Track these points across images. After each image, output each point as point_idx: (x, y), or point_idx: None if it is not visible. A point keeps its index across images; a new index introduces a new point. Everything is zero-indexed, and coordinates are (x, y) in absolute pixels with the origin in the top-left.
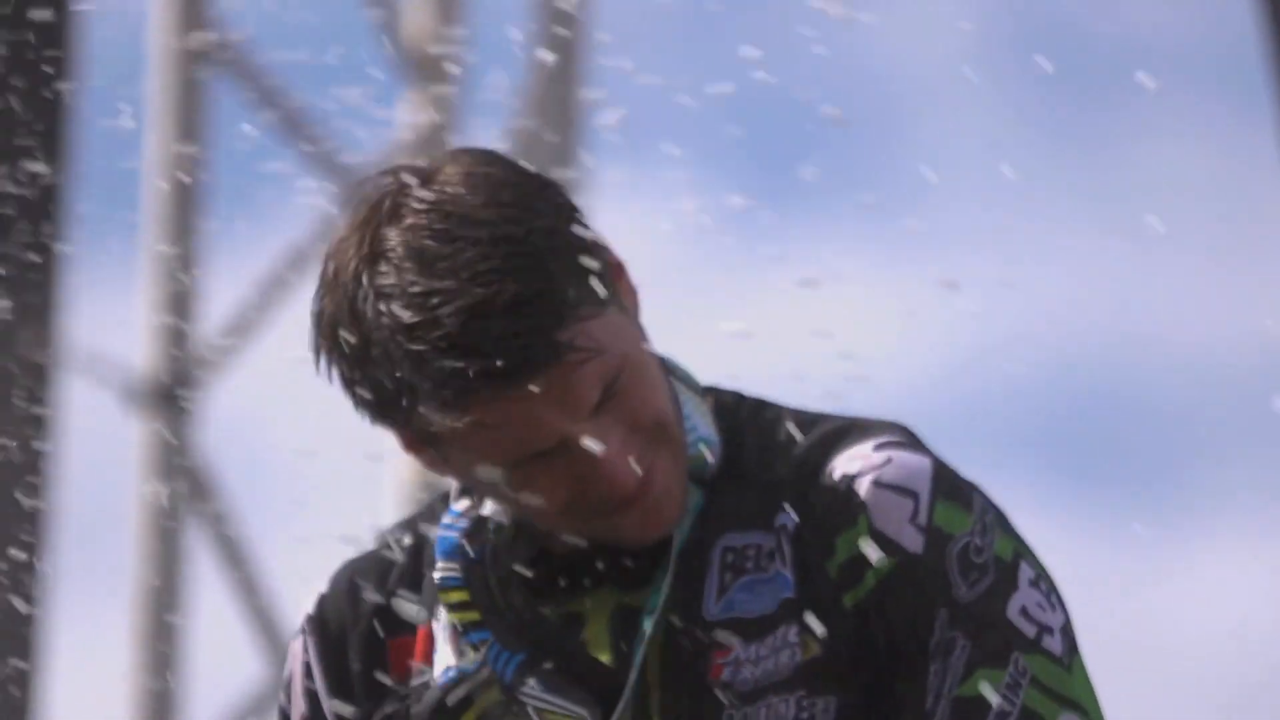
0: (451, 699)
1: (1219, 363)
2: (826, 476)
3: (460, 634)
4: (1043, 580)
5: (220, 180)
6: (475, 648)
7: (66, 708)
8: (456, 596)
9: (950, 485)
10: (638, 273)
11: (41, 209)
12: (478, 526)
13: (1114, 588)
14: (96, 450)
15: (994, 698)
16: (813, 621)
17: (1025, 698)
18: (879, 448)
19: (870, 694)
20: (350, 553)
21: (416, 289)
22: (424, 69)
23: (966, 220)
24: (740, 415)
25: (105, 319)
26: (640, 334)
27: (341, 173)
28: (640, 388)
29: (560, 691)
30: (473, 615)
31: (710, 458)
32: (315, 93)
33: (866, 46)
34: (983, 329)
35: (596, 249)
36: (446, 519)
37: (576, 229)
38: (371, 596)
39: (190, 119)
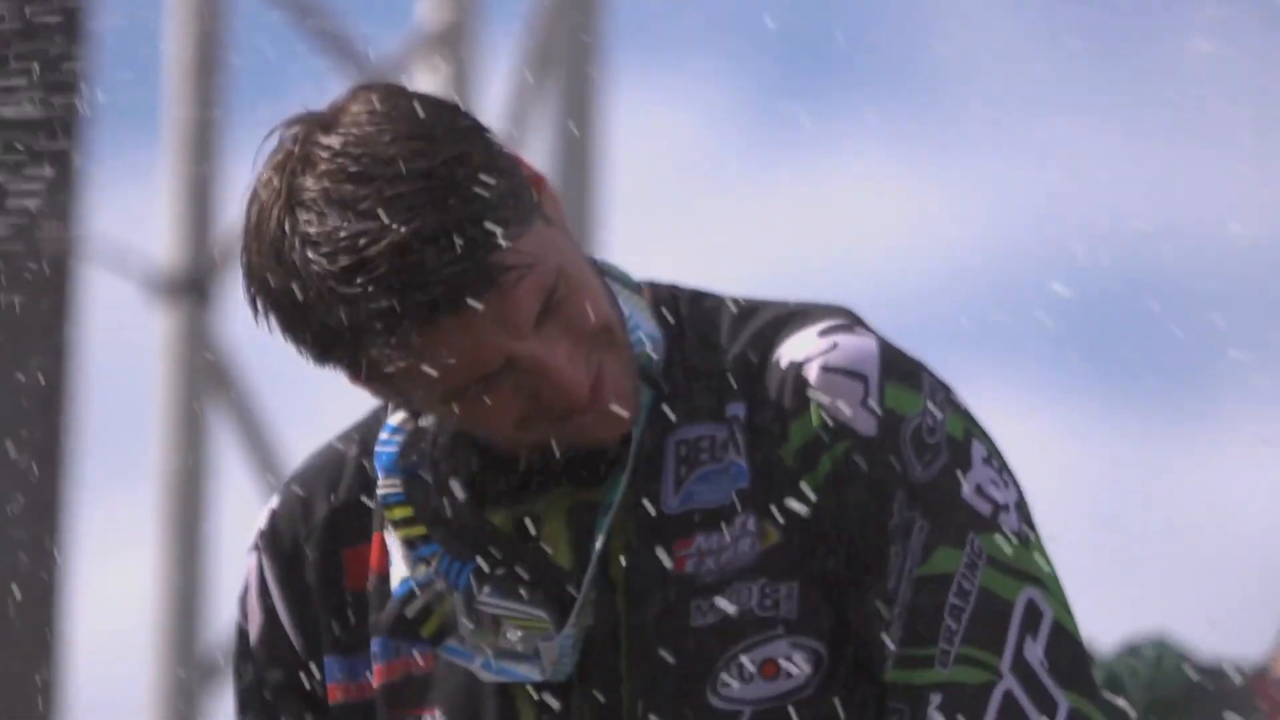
0: (410, 611)
1: (1261, 256)
2: (774, 365)
3: (409, 550)
4: (994, 457)
5: (241, 70)
6: (426, 562)
7: (92, 599)
8: (400, 513)
9: (898, 366)
10: (664, 165)
11: (61, 99)
12: (415, 438)
13: (1145, 477)
14: (119, 342)
15: (954, 575)
16: (770, 509)
17: (983, 578)
18: (824, 333)
19: (831, 578)
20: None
21: (342, 233)
22: None
23: (992, 118)
24: (679, 307)
25: (127, 210)
26: (570, 242)
27: (363, 63)
28: (578, 296)
29: (516, 596)
30: (418, 530)
31: (654, 354)
32: None
33: None
34: (1003, 227)
35: (512, 166)
36: (383, 434)
37: (489, 150)
38: (322, 507)
39: (211, 7)
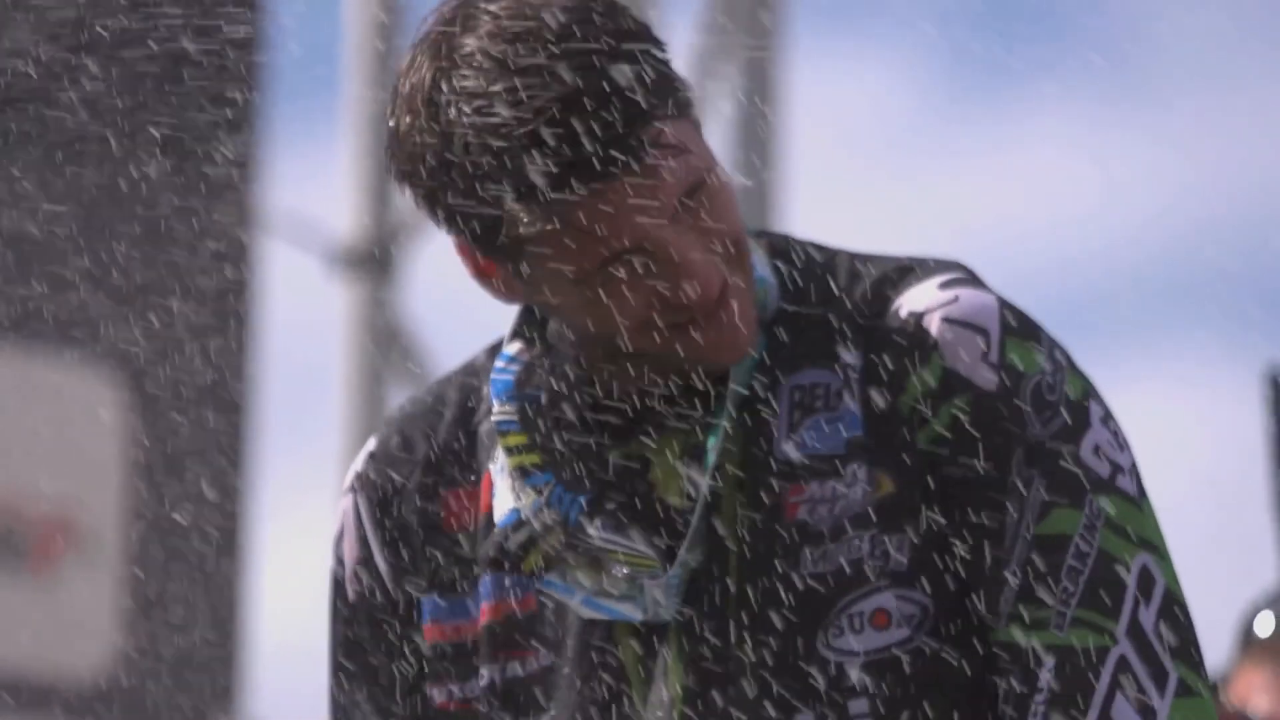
0: (512, 543)
1: None
2: (893, 314)
3: (520, 478)
4: (1110, 419)
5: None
6: (538, 490)
7: (277, 572)
8: (515, 439)
9: (1018, 322)
10: (845, 135)
11: (241, 70)
12: (531, 368)
13: None
14: (300, 314)
15: (1073, 536)
16: (884, 458)
17: (1101, 539)
18: (944, 285)
19: (941, 531)
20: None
21: (500, 86)
22: None
23: (1180, 83)
24: (794, 256)
25: (308, 182)
26: (714, 156)
27: None
28: (720, 203)
29: (624, 532)
30: (533, 458)
31: (768, 297)
32: None
33: None
34: (1192, 200)
35: (669, 61)
36: (499, 363)
37: (650, 37)
38: (422, 447)
39: None
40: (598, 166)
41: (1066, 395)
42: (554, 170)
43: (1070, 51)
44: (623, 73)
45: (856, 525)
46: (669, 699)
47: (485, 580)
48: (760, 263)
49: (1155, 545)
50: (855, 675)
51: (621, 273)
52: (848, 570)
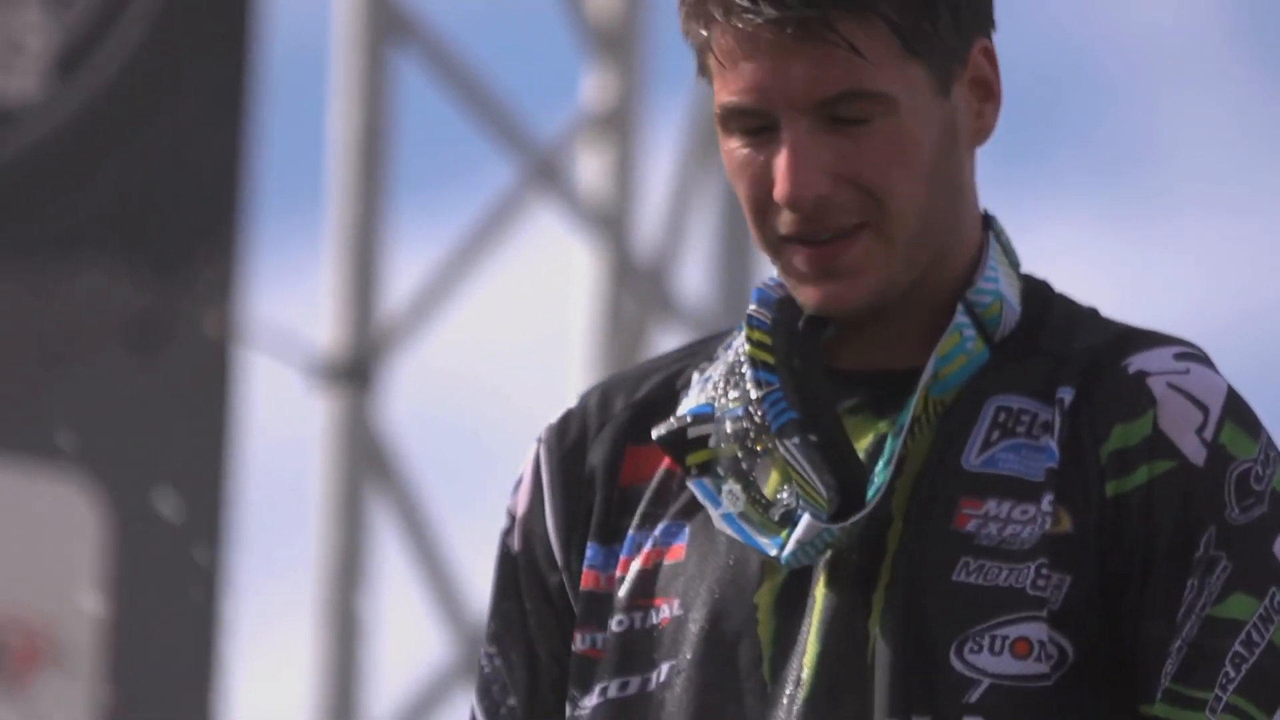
0: (692, 431)
1: None
2: (1121, 368)
3: (753, 368)
4: None
5: (405, 155)
6: (760, 385)
7: (250, 683)
8: (758, 336)
9: (1242, 410)
10: None
11: (225, 183)
12: (790, 302)
13: None
14: (279, 426)
15: (1247, 623)
16: (1071, 496)
17: (1276, 633)
18: (1180, 357)
19: (1110, 585)
20: None
21: None
22: (608, 42)
23: (1203, 185)
24: (1049, 296)
25: (289, 294)
26: (942, 129)
27: (526, 147)
28: (883, 146)
29: (814, 464)
30: (767, 355)
31: (1005, 318)
32: (500, 66)
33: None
34: (1208, 312)
35: (954, 22)
36: (769, 280)
37: (975, 4)
38: (620, 403)
39: (375, 93)
40: (763, 12)
41: (1274, 490)
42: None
43: (1075, 163)
44: None
45: (1024, 554)
46: (798, 665)
47: (636, 530)
48: (1009, 285)
49: None
50: (978, 695)
51: (758, 143)
52: (1004, 592)
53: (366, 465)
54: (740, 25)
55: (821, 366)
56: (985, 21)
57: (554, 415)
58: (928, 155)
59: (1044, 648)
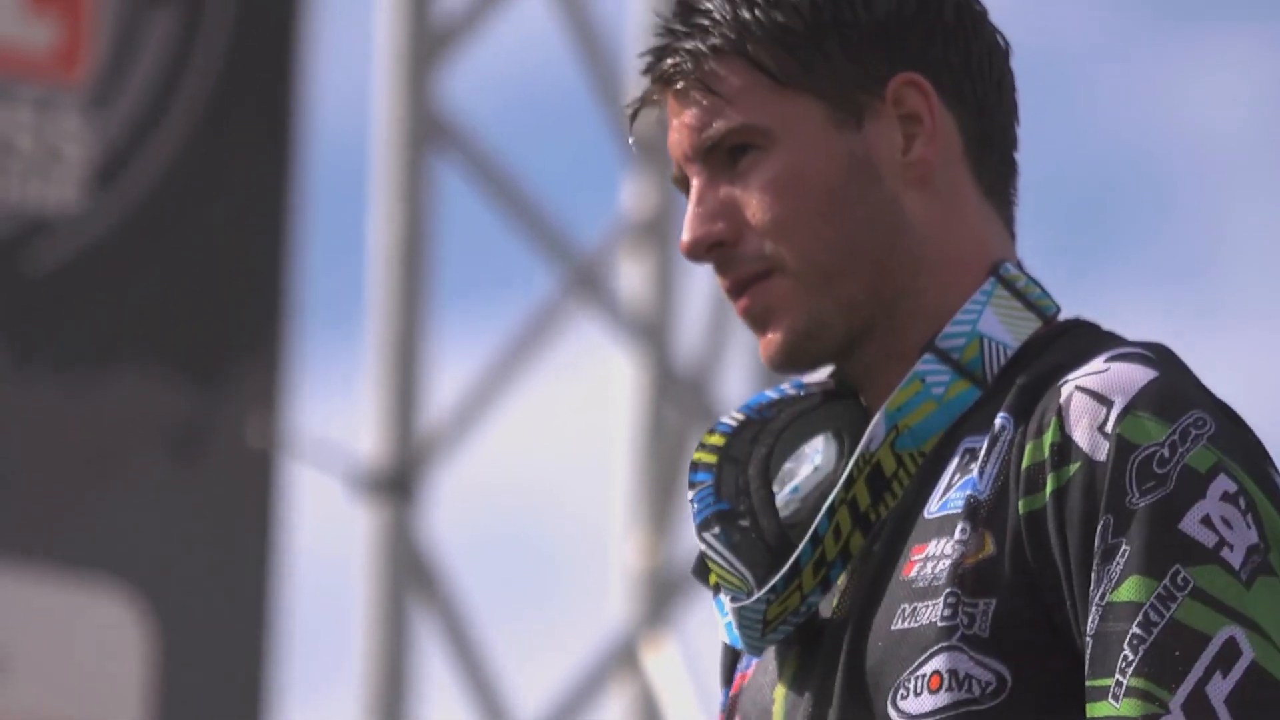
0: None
1: None
2: (1058, 383)
3: (690, 474)
4: (1244, 498)
5: (445, 262)
6: (692, 486)
7: None
8: (709, 439)
9: (1158, 399)
10: None
11: (266, 290)
12: (785, 404)
13: None
14: (322, 537)
15: (1144, 604)
16: (992, 521)
17: (1178, 610)
18: (1110, 358)
19: (1044, 603)
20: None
21: None
22: (648, 149)
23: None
24: (1059, 332)
25: (332, 403)
26: (849, 161)
27: (567, 255)
28: (769, 181)
29: (737, 550)
30: (707, 456)
31: (989, 356)
32: (541, 173)
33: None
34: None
35: (863, 64)
36: (787, 384)
37: (887, 36)
38: None
39: (416, 199)
40: (653, 59)
41: (1186, 466)
42: (650, 58)
43: (1137, 269)
44: (711, 4)
45: (940, 585)
46: None
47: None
48: (997, 324)
49: (1255, 623)
50: None
51: (688, 192)
52: (924, 629)
53: (409, 576)
54: (653, 96)
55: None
56: (908, 54)
57: None
58: (824, 187)
59: (966, 679)
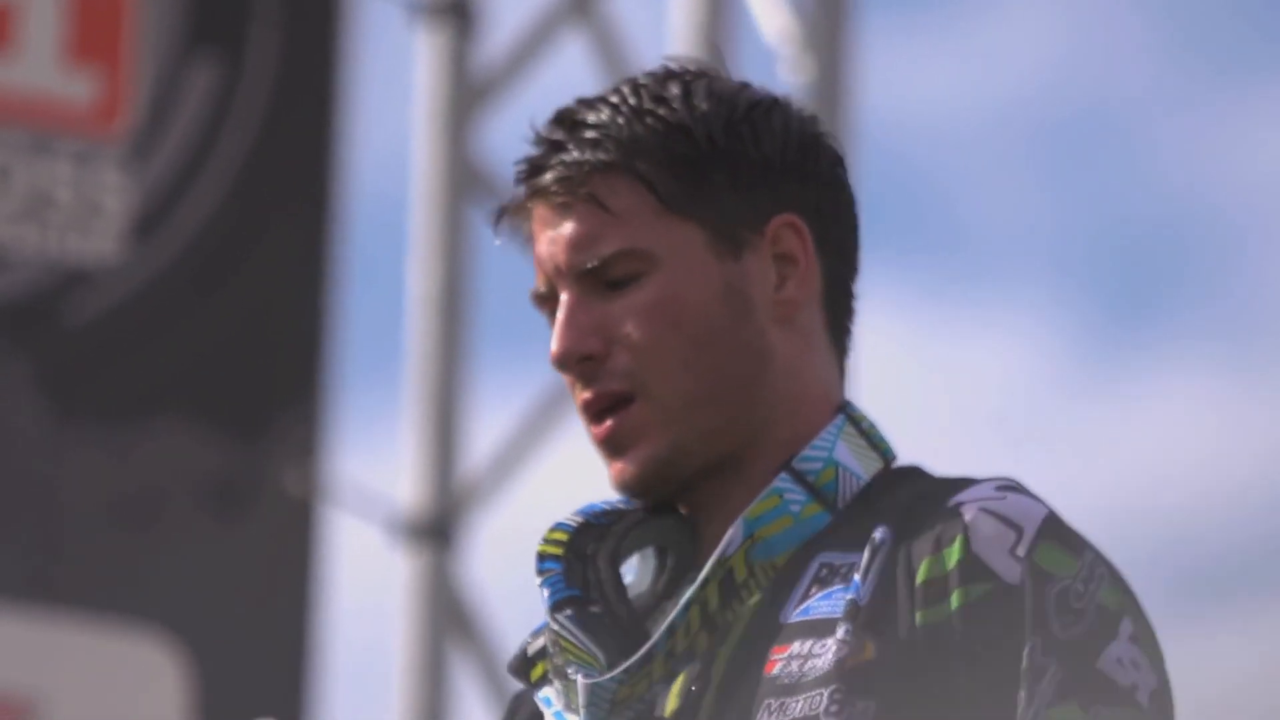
0: (532, 648)
1: None
2: (942, 504)
3: (538, 563)
4: (1144, 640)
5: (484, 310)
6: (540, 574)
7: None
8: (552, 534)
9: (1061, 531)
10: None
11: (307, 341)
12: (627, 514)
13: None
14: (361, 585)
15: None
16: (875, 625)
17: None
18: (1001, 488)
19: (928, 711)
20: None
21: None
22: None
23: None
24: (905, 473)
25: (371, 451)
26: (725, 291)
27: None
28: (645, 302)
29: (590, 630)
30: (553, 548)
31: (844, 483)
32: None
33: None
34: None
35: (748, 199)
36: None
37: (772, 175)
38: None
39: (454, 249)
40: (529, 170)
41: (1099, 603)
42: (522, 168)
43: (1198, 322)
44: (636, 126)
45: (819, 680)
46: None
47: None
48: (849, 456)
49: None
50: None
51: (554, 309)
52: None
53: (449, 623)
54: (526, 205)
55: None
56: (789, 195)
57: None
58: (698, 314)
59: None
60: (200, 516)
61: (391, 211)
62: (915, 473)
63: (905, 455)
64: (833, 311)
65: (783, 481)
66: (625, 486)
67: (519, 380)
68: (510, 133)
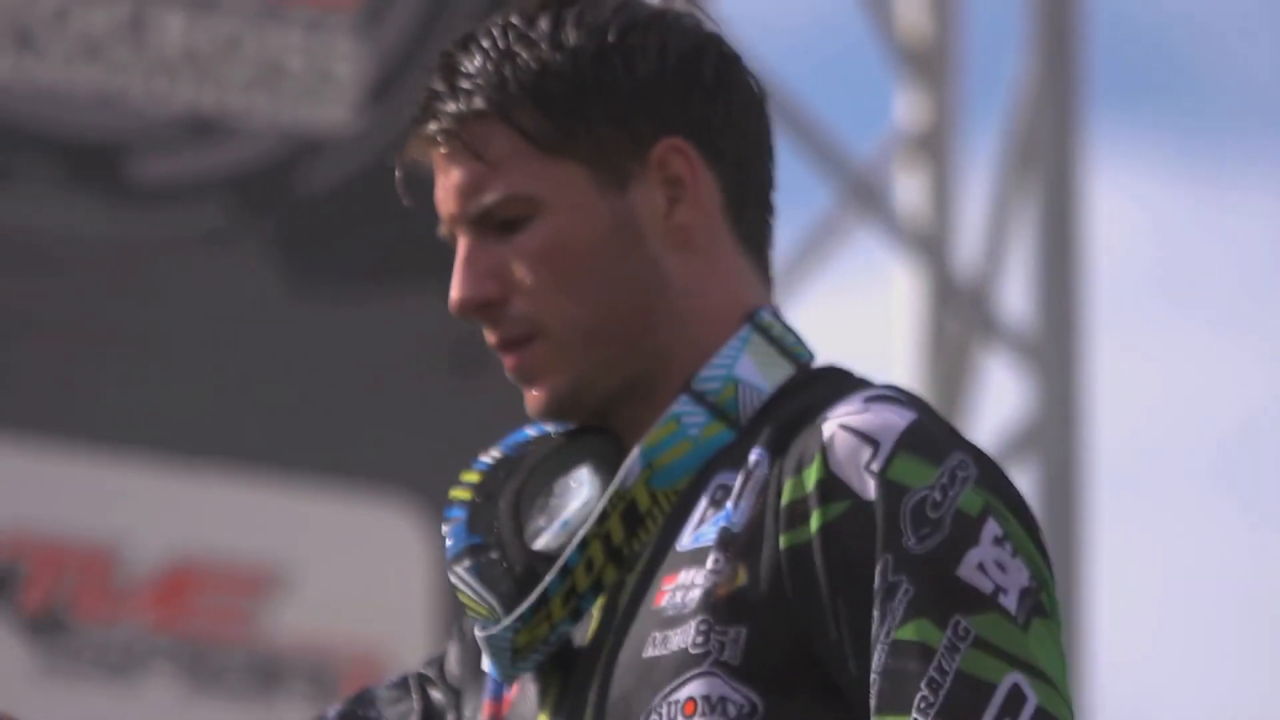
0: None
1: None
2: (815, 421)
3: (446, 510)
4: (1013, 540)
5: None
6: (446, 522)
7: None
8: (470, 477)
9: (922, 441)
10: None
11: None
12: (540, 443)
13: None
14: None
15: (936, 649)
16: (747, 552)
17: (963, 661)
18: (869, 400)
19: (803, 634)
20: None
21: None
22: (920, 62)
23: None
24: (812, 378)
25: None
26: (612, 225)
27: (842, 165)
28: (535, 246)
29: (485, 580)
30: (462, 493)
31: (745, 399)
32: (813, 89)
33: None
34: None
35: (629, 129)
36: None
37: (649, 99)
38: None
39: None
40: (420, 113)
41: (958, 511)
42: (417, 111)
43: None
44: (475, 65)
45: (690, 613)
46: None
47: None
48: (753, 370)
49: (1036, 667)
50: None
51: (457, 247)
52: (676, 656)
53: None
54: (422, 153)
55: (521, 487)
56: (670, 116)
57: None
58: (586, 252)
59: (721, 704)
60: (441, 379)
61: None
62: (824, 377)
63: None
64: (738, 220)
65: (682, 404)
66: (539, 415)
67: None
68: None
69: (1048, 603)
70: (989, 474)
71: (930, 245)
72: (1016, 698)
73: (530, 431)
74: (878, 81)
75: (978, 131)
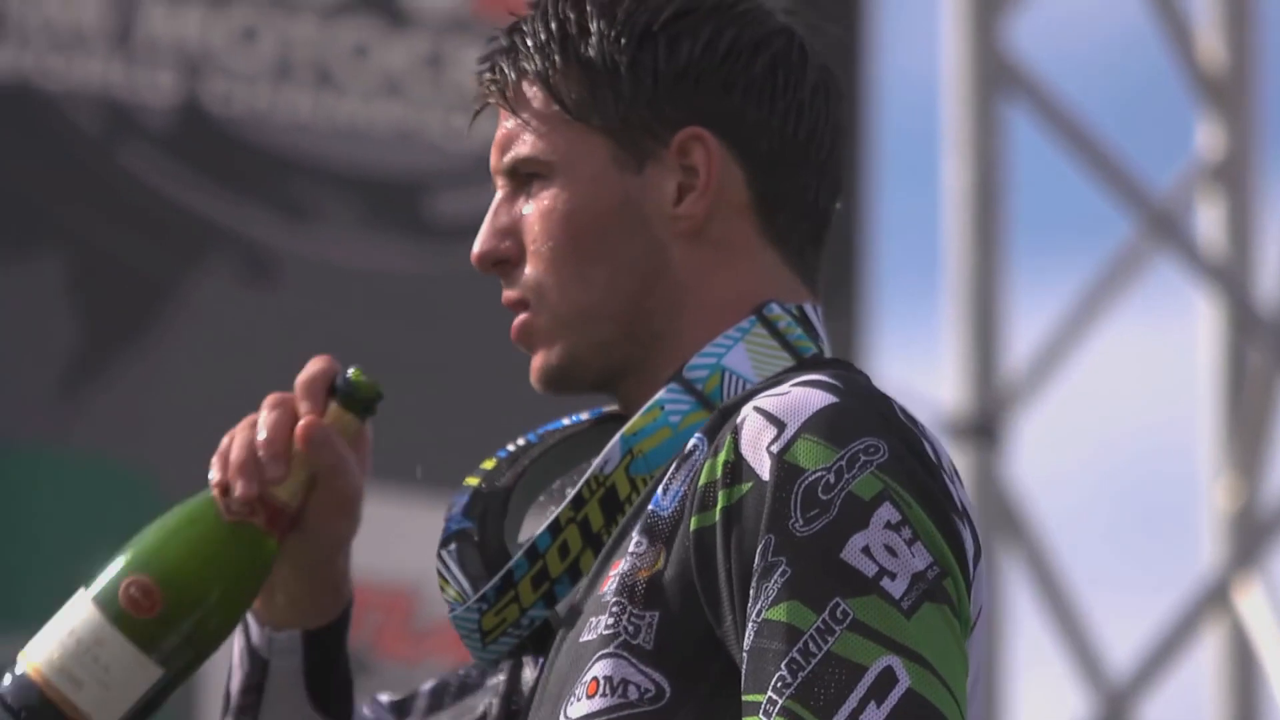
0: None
1: None
2: (741, 405)
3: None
4: (911, 526)
5: (1018, 209)
6: (450, 505)
7: None
8: (484, 465)
9: (831, 424)
10: None
11: (842, 245)
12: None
13: None
14: None
15: (805, 632)
16: (671, 536)
17: (836, 644)
18: (797, 384)
19: (699, 616)
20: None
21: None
22: (1220, 91)
23: None
24: (795, 369)
25: (910, 351)
26: (621, 202)
27: (1141, 195)
28: (539, 209)
29: (466, 565)
30: (474, 480)
31: (729, 388)
32: (1110, 117)
33: None
34: None
35: (654, 110)
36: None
37: (684, 85)
38: None
39: (987, 147)
40: (481, 70)
41: (850, 494)
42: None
43: None
44: (533, 29)
45: (615, 594)
46: None
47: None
48: (743, 360)
49: (912, 650)
50: None
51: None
52: (595, 640)
53: (997, 522)
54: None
55: (524, 473)
56: (703, 105)
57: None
58: (592, 225)
59: (623, 685)
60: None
61: (923, 111)
62: (806, 367)
63: None
64: (769, 219)
65: (669, 392)
66: (535, 384)
67: (1055, 278)
68: (1039, 26)
69: (952, 590)
70: (901, 460)
71: (1230, 275)
72: (887, 680)
73: (565, 421)
74: (1177, 110)
75: (1276, 159)
